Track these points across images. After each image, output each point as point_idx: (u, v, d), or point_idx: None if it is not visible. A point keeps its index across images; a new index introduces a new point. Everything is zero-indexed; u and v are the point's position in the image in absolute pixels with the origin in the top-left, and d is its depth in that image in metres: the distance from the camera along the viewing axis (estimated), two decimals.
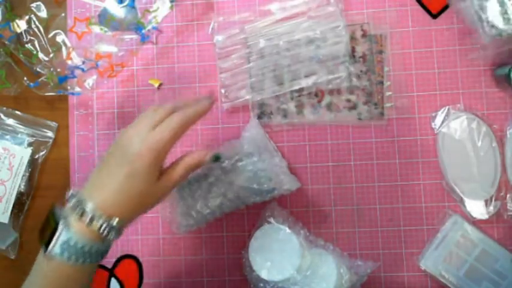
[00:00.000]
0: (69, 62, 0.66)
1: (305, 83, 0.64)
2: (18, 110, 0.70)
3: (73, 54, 0.66)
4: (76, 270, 0.44)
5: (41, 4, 0.69)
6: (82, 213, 0.45)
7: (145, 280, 0.67)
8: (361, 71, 0.65)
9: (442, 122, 0.63)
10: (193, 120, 0.49)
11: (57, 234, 0.43)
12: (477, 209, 0.61)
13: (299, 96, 0.65)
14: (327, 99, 0.65)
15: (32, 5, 0.69)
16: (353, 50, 0.65)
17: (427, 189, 0.64)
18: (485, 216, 0.61)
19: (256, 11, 0.67)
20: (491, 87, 0.63)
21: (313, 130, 0.66)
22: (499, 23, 0.57)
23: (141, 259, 0.67)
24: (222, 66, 0.67)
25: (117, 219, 0.45)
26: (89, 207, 0.44)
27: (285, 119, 0.66)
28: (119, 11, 0.65)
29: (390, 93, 0.64)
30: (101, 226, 0.44)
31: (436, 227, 0.63)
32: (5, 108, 0.70)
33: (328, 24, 0.64)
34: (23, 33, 0.69)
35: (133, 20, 0.66)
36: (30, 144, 0.69)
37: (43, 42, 0.69)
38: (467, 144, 0.62)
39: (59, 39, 0.68)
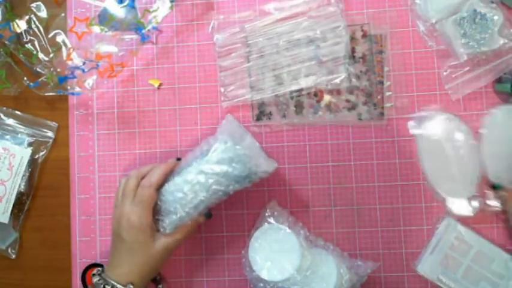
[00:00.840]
0: (69, 62, 0.66)
1: (305, 83, 0.64)
2: (18, 110, 0.70)
3: (73, 55, 0.66)
4: None
5: (41, 4, 0.69)
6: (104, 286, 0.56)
7: None
8: (361, 71, 0.65)
9: (420, 123, 0.63)
10: (161, 179, 0.59)
11: None
12: (460, 207, 0.62)
13: (299, 96, 0.65)
14: (326, 99, 0.65)
15: (32, 5, 0.69)
16: (353, 50, 0.65)
17: (427, 189, 0.64)
18: (469, 214, 0.61)
19: (257, 10, 0.67)
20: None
21: (313, 130, 0.66)
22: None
23: None
24: (221, 65, 0.67)
25: (131, 286, 0.55)
26: (109, 281, 0.56)
27: (284, 119, 0.66)
28: (119, 11, 0.65)
29: (390, 93, 0.64)
30: None
31: (436, 227, 0.63)
32: (5, 108, 0.70)
33: (328, 24, 0.64)
34: (23, 33, 0.69)
35: (133, 20, 0.66)
36: (30, 144, 0.69)
37: (43, 42, 0.69)
38: (446, 144, 0.62)
39: (59, 39, 0.68)
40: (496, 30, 0.61)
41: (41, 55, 0.68)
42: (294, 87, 0.65)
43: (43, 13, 0.69)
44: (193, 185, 0.57)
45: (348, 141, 0.65)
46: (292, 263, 0.58)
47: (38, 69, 0.67)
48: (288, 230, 0.60)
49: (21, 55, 0.68)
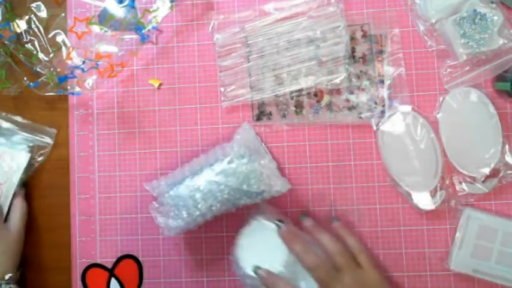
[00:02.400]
0: (69, 62, 0.66)
1: (305, 83, 0.64)
2: (17, 114, 0.70)
3: (73, 54, 0.66)
4: None
5: (41, 4, 0.69)
6: None
7: (145, 280, 0.67)
8: (361, 71, 0.65)
9: (379, 120, 0.64)
10: None
11: None
12: (424, 200, 0.62)
13: (299, 96, 0.65)
14: (326, 99, 0.65)
15: (32, 5, 0.69)
16: (353, 50, 0.65)
17: None
18: (432, 207, 0.62)
19: (257, 10, 0.67)
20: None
21: (313, 130, 0.66)
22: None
23: (141, 259, 0.67)
24: (221, 65, 0.67)
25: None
26: None
27: (284, 119, 0.66)
28: (118, 11, 0.65)
29: (390, 91, 0.64)
30: None
31: (436, 225, 0.63)
32: (4, 113, 0.70)
33: (328, 24, 0.64)
34: (23, 33, 0.69)
35: (133, 19, 0.66)
36: (28, 149, 0.69)
37: (43, 42, 0.69)
38: (406, 138, 0.62)
39: (59, 39, 0.68)
40: (495, 30, 0.61)
41: (41, 55, 0.68)
42: (294, 87, 0.65)
43: (43, 13, 0.69)
44: (204, 194, 0.57)
45: (348, 141, 0.65)
46: (279, 260, 0.58)
47: (38, 69, 0.67)
48: (274, 227, 0.60)
49: (21, 55, 0.68)
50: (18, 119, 0.70)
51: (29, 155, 0.68)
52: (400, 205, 0.64)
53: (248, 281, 0.59)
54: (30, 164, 0.69)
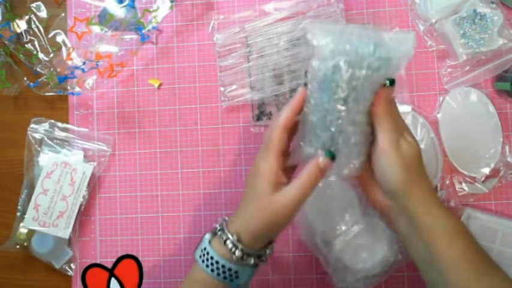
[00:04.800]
0: (69, 62, 0.66)
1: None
2: (70, 123, 0.70)
3: (73, 55, 0.66)
4: (220, 285, 0.48)
5: (41, 4, 0.69)
6: (216, 232, 0.50)
7: (145, 280, 0.67)
8: None
9: None
10: (289, 118, 0.48)
11: (203, 250, 0.50)
12: None
13: None
14: None
15: (32, 5, 0.69)
16: None
17: None
18: None
19: (257, 10, 0.67)
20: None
21: None
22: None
23: (141, 259, 0.67)
24: (221, 65, 0.67)
25: (235, 236, 0.48)
26: (223, 228, 0.49)
27: None
28: (118, 11, 0.65)
29: None
30: (226, 241, 0.48)
31: None
32: (60, 123, 0.69)
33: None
34: (23, 33, 0.69)
35: (133, 19, 0.66)
36: (87, 159, 0.68)
37: (43, 42, 0.69)
38: None
39: (59, 39, 0.68)
40: (495, 30, 0.61)
41: (41, 55, 0.68)
42: (294, 87, 0.65)
43: (43, 13, 0.69)
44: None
45: None
46: (348, 218, 0.59)
47: (38, 69, 0.68)
48: (351, 187, 0.60)
49: (21, 55, 0.68)
50: (73, 127, 0.69)
51: (92, 166, 0.67)
52: None
53: (308, 232, 0.61)
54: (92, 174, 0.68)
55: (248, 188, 0.49)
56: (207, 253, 0.48)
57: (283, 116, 0.48)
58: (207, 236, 0.50)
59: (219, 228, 0.50)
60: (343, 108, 0.45)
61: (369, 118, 0.46)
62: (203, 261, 0.48)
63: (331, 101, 0.45)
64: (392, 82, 0.46)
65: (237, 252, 0.47)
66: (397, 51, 0.44)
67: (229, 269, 0.47)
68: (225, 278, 0.47)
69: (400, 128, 0.48)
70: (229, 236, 0.48)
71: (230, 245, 0.47)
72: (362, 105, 0.45)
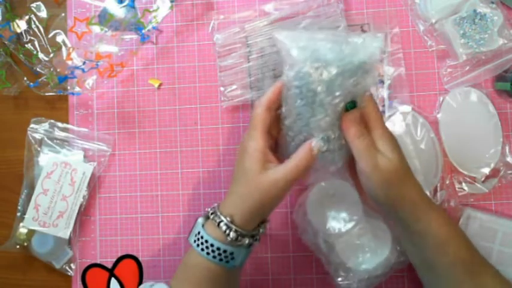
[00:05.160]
0: (69, 62, 0.66)
1: None
2: (70, 124, 0.69)
3: (73, 55, 0.66)
4: (216, 268, 0.49)
5: (41, 4, 0.69)
6: (208, 216, 0.50)
7: (145, 280, 0.67)
8: None
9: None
10: (272, 97, 0.49)
11: (198, 235, 0.50)
12: None
13: None
14: None
15: (32, 5, 0.69)
16: None
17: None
18: None
19: (257, 10, 0.67)
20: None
21: None
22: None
23: (141, 259, 0.67)
24: (221, 65, 0.67)
25: (228, 218, 0.48)
26: (215, 211, 0.50)
27: None
28: (118, 11, 0.65)
29: (390, 91, 0.64)
30: (219, 223, 0.48)
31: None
32: (60, 123, 0.69)
33: (328, 24, 0.64)
34: (23, 33, 0.69)
35: (133, 19, 0.66)
36: (87, 159, 0.68)
37: (43, 42, 0.69)
38: (406, 138, 0.62)
39: (59, 39, 0.68)
40: (495, 30, 0.61)
41: (41, 55, 0.68)
42: None
43: (43, 13, 0.69)
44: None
45: None
46: (350, 219, 0.59)
47: (38, 69, 0.68)
48: (353, 189, 0.60)
49: (21, 55, 0.68)
50: (74, 127, 0.69)
51: (92, 166, 0.67)
52: None
53: (309, 232, 0.61)
54: (92, 174, 0.68)
55: (237, 168, 0.49)
56: (201, 237, 0.49)
57: (266, 96, 0.49)
58: (200, 220, 0.50)
59: (211, 211, 0.50)
60: (311, 113, 0.46)
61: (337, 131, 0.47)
62: (198, 245, 0.49)
63: (299, 106, 0.46)
64: (352, 105, 0.46)
65: (232, 234, 0.47)
66: (363, 54, 0.44)
67: (225, 251, 0.48)
68: (220, 260, 0.48)
69: (375, 142, 0.47)
70: (223, 218, 0.48)
71: (224, 227, 0.47)
72: (331, 110, 0.45)
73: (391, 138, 0.48)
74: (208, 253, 0.48)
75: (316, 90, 0.44)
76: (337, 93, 0.45)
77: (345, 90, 0.45)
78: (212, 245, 0.48)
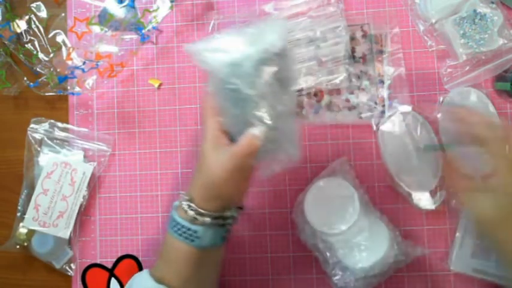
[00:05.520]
0: (69, 62, 0.66)
1: (305, 82, 0.64)
2: (70, 124, 0.69)
3: (73, 55, 0.66)
4: (186, 248, 0.51)
5: (41, 4, 0.69)
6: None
7: None
8: (361, 71, 0.65)
9: (379, 120, 0.64)
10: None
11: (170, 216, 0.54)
12: (424, 200, 0.62)
13: (299, 96, 0.65)
14: (326, 99, 0.65)
15: (32, 5, 0.69)
16: (353, 50, 0.65)
17: None
18: (432, 207, 0.62)
19: (257, 10, 0.67)
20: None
21: (313, 130, 0.66)
22: None
23: (141, 259, 0.67)
24: None
25: (187, 197, 0.51)
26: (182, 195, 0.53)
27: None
28: (118, 11, 0.65)
29: (390, 91, 0.64)
30: (182, 203, 0.51)
31: (436, 225, 0.63)
32: (59, 123, 0.69)
33: (328, 24, 0.64)
34: (23, 33, 0.69)
35: (133, 19, 0.66)
36: (87, 159, 0.68)
37: (43, 42, 0.69)
38: (406, 138, 0.62)
39: (59, 39, 0.68)
40: (495, 30, 0.61)
41: (41, 55, 0.68)
42: (294, 87, 0.65)
43: (43, 13, 0.69)
44: None
45: (348, 141, 0.65)
46: (348, 218, 0.60)
47: (38, 69, 0.68)
48: (351, 186, 0.61)
49: (21, 55, 0.68)
50: (74, 127, 0.69)
51: (92, 166, 0.67)
52: (400, 205, 0.64)
53: (307, 232, 0.61)
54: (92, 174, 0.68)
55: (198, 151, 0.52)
56: (172, 217, 0.53)
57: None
58: (175, 204, 0.53)
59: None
60: (238, 112, 0.48)
61: (276, 120, 0.47)
62: (170, 226, 0.53)
63: (230, 107, 0.48)
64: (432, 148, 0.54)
65: (190, 212, 0.50)
66: (270, 40, 0.46)
67: (189, 229, 0.51)
68: (186, 238, 0.51)
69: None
70: (184, 197, 0.52)
71: (185, 207, 0.51)
72: (250, 107, 0.47)
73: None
74: (176, 231, 0.51)
75: (238, 89, 0.46)
76: (259, 83, 0.46)
77: (263, 78, 0.46)
78: (178, 223, 0.51)
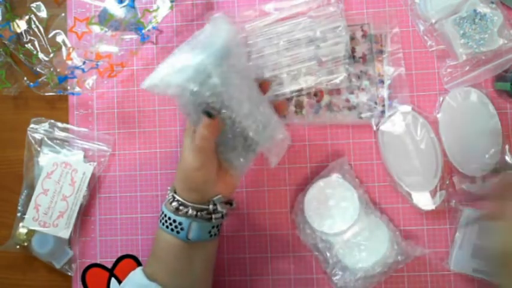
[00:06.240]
0: (69, 62, 0.66)
1: (305, 83, 0.64)
2: (70, 124, 0.69)
3: (73, 55, 0.66)
4: (172, 240, 0.53)
5: (41, 4, 0.69)
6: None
7: None
8: (361, 71, 0.65)
9: (379, 120, 0.64)
10: None
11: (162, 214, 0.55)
12: (424, 200, 0.62)
13: (299, 96, 0.65)
14: (326, 99, 0.65)
15: (32, 5, 0.69)
16: (353, 50, 0.65)
17: None
18: (432, 207, 0.62)
19: (257, 10, 0.67)
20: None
21: (313, 130, 0.66)
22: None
23: (141, 259, 0.67)
24: None
25: (171, 189, 0.54)
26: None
27: (284, 118, 0.66)
28: (118, 11, 0.65)
29: (390, 91, 0.64)
30: (168, 195, 0.54)
31: (436, 225, 0.63)
32: (59, 123, 0.69)
33: (328, 24, 0.64)
34: (23, 33, 0.69)
35: (133, 19, 0.66)
36: (87, 159, 0.68)
37: (43, 42, 0.69)
38: (406, 138, 0.63)
39: (59, 39, 0.68)
40: (495, 30, 0.61)
41: (41, 55, 0.68)
42: (294, 87, 0.65)
43: (43, 13, 0.69)
44: None
45: (348, 141, 0.65)
46: (348, 218, 0.60)
47: (38, 69, 0.68)
48: (351, 187, 0.61)
49: (21, 55, 0.68)
50: (74, 127, 0.69)
51: (92, 166, 0.67)
52: (400, 205, 0.64)
53: (307, 231, 0.62)
54: (92, 174, 0.68)
55: None
56: (161, 210, 0.55)
57: None
58: (166, 198, 0.55)
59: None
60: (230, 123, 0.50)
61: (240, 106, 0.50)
62: (159, 219, 0.55)
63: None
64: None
65: (174, 203, 0.53)
66: (222, 41, 0.49)
67: (174, 220, 0.52)
68: (172, 230, 0.52)
69: None
70: (169, 190, 0.54)
71: (170, 198, 0.53)
72: (219, 104, 0.49)
73: None
74: (163, 224, 0.53)
75: (208, 100, 0.48)
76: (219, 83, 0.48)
77: (221, 77, 0.48)
78: (165, 215, 0.53)
